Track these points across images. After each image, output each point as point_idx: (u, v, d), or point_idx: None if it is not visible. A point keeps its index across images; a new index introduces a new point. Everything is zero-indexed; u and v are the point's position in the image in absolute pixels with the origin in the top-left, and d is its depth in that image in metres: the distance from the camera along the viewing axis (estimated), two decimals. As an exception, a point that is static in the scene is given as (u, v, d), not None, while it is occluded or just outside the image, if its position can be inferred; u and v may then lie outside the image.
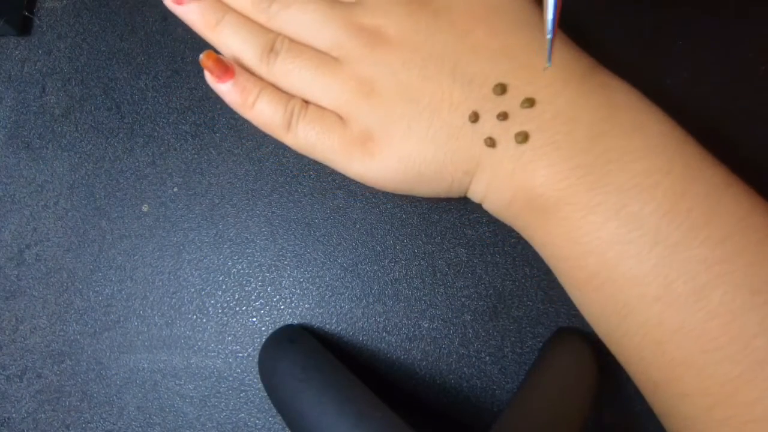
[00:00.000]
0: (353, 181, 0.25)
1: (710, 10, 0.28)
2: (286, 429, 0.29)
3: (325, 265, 0.29)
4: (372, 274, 0.29)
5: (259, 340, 0.29)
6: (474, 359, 0.28)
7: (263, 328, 0.30)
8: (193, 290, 0.30)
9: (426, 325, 0.29)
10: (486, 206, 0.24)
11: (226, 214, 0.30)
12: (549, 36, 0.19)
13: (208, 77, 0.24)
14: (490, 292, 0.28)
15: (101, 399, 0.30)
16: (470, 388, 0.28)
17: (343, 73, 0.23)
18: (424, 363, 0.29)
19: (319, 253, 0.29)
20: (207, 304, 0.30)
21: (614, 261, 0.20)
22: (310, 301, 0.29)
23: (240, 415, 0.29)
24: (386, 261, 0.29)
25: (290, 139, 0.24)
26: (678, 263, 0.19)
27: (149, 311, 0.30)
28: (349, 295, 0.29)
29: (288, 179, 0.30)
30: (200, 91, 0.31)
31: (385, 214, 0.29)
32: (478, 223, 0.29)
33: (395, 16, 0.23)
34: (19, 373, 0.30)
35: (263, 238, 0.30)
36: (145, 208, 0.30)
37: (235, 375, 0.29)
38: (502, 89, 0.22)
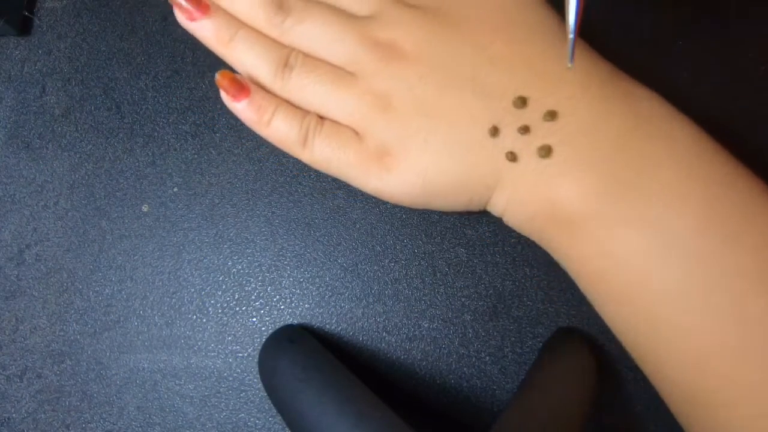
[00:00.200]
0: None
1: (710, 10, 0.28)
2: (286, 429, 0.29)
3: (325, 265, 0.29)
4: (372, 274, 0.29)
5: (259, 340, 0.29)
6: (474, 359, 0.28)
7: (263, 328, 0.30)
8: (193, 290, 0.30)
9: (426, 325, 0.29)
10: (507, 220, 0.24)
11: (226, 214, 0.30)
12: (571, 36, 0.19)
13: (224, 96, 0.24)
14: (490, 292, 0.28)
15: (101, 399, 0.30)
16: (470, 388, 0.28)
17: (358, 87, 0.23)
18: (424, 363, 0.29)
19: (319, 253, 0.29)
20: (207, 304, 0.30)
21: (647, 274, 0.20)
22: (310, 301, 0.29)
23: (240, 415, 0.29)
24: (386, 261, 0.29)
25: (306, 156, 0.24)
26: (714, 273, 0.19)
27: (149, 311, 0.30)
28: (349, 295, 0.29)
29: (288, 179, 0.30)
30: (200, 91, 0.31)
31: (385, 214, 0.29)
32: (478, 223, 0.29)
33: (410, 29, 0.23)
34: (19, 373, 0.30)
35: (263, 238, 0.30)
36: (145, 208, 0.30)
37: (235, 375, 0.29)
38: (522, 102, 0.21)
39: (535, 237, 0.23)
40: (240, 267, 0.30)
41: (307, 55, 0.24)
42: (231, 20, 0.24)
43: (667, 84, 0.28)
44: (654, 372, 0.22)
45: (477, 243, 0.29)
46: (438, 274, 0.29)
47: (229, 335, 0.30)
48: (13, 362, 0.30)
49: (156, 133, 0.30)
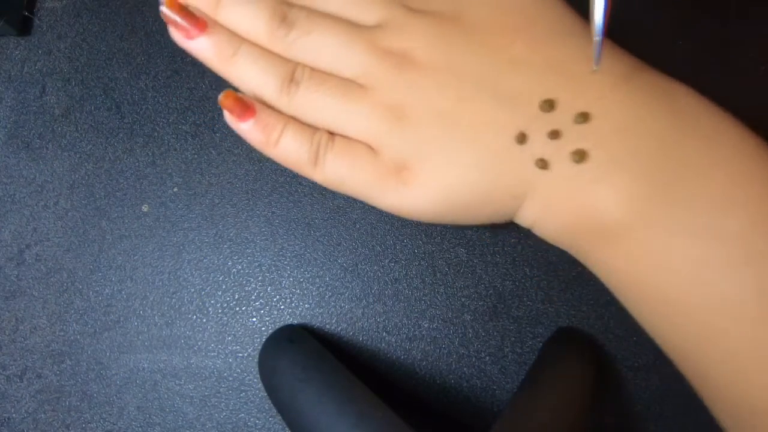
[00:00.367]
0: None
1: (710, 10, 0.28)
2: (286, 429, 0.29)
3: (325, 265, 0.29)
4: (372, 274, 0.29)
5: (259, 340, 0.29)
6: (474, 359, 0.28)
7: (263, 328, 0.30)
8: (193, 290, 0.30)
9: (426, 325, 0.29)
10: (537, 231, 0.22)
11: (226, 214, 0.30)
12: (597, 38, 0.18)
13: (228, 117, 0.23)
14: (490, 292, 0.28)
15: (101, 399, 0.30)
16: (470, 388, 0.28)
17: (371, 100, 0.22)
18: (424, 363, 0.29)
19: (319, 253, 0.29)
20: (207, 304, 0.30)
21: (703, 284, 0.19)
22: (310, 301, 0.29)
23: (240, 415, 0.29)
24: (386, 261, 0.29)
25: (318, 175, 0.23)
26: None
27: (149, 311, 0.30)
28: (349, 295, 0.29)
29: (288, 179, 0.30)
30: (200, 91, 0.31)
31: (385, 214, 0.29)
32: (478, 223, 0.29)
33: (423, 36, 0.22)
34: (19, 373, 0.30)
35: (263, 238, 0.30)
36: (145, 208, 0.30)
37: (235, 375, 0.29)
38: (550, 105, 0.20)
39: (567, 248, 0.22)
40: (240, 267, 0.30)
41: (313, 69, 0.23)
42: (231, 36, 0.23)
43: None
44: (701, 379, 0.21)
45: (477, 243, 0.29)
46: (438, 274, 0.29)
47: (229, 335, 0.30)
48: (13, 362, 0.30)
49: (156, 133, 0.30)
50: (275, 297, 0.30)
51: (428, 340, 0.29)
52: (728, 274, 0.18)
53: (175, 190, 0.30)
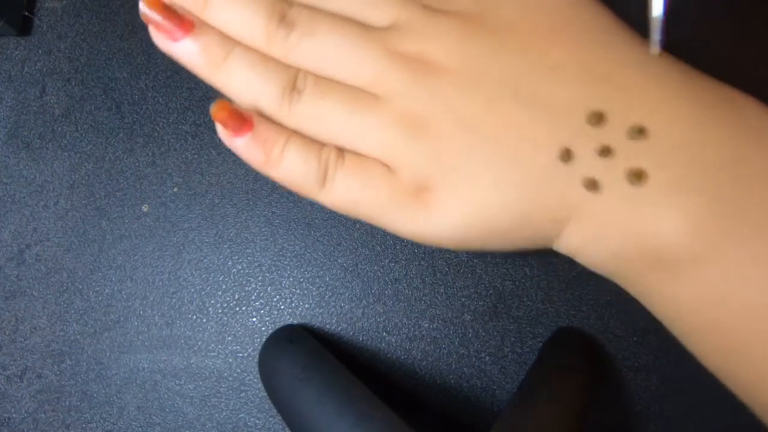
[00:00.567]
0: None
1: (710, 10, 0.28)
2: (286, 429, 0.29)
3: (325, 265, 0.29)
4: (372, 274, 0.29)
5: (259, 340, 0.29)
6: (474, 359, 0.28)
7: (263, 328, 0.30)
8: (193, 290, 0.30)
9: (426, 325, 0.29)
10: (581, 259, 0.20)
11: (226, 214, 0.30)
12: (657, 14, 0.15)
13: (222, 132, 0.20)
14: (490, 292, 0.28)
15: (101, 399, 0.30)
16: (470, 388, 0.28)
17: (385, 111, 0.19)
18: (424, 363, 0.29)
19: (319, 253, 0.29)
20: (207, 304, 0.30)
21: None
22: (310, 301, 0.29)
23: (240, 415, 0.29)
24: (386, 261, 0.29)
25: (327, 197, 0.20)
26: None
27: (149, 311, 0.30)
28: (349, 295, 0.29)
29: (288, 179, 0.30)
30: (200, 91, 0.31)
31: (385, 214, 0.29)
32: (478, 223, 0.29)
33: (445, 38, 0.19)
34: (19, 373, 0.30)
35: (263, 238, 0.30)
36: (145, 208, 0.30)
37: (235, 375, 0.29)
38: (599, 118, 0.17)
39: (612, 275, 0.19)
40: (240, 267, 0.30)
41: (318, 76, 0.20)
42: (222, 38, 0.20)
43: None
44: None
45: (477, 243, 0.29)
46: (438, 274, 0.29)
47: (229, 335, 0.30)
48: (13, 362, 0.31)
49: (156, 133, 0.30)
50: (275, 297, 0.30)
51: (428, 340, 0.29)
52: None
53: (175, 190, 0.30)
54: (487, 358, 0.28)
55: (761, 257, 0.16)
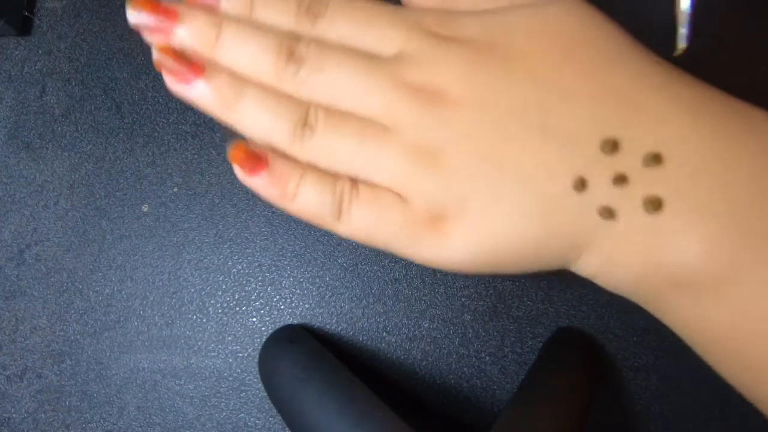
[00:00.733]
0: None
1: (710, 10, 0.28)
2: (286, 429, 0.29)
3: (325, 265, 0.29)
4: (372, 274, 0.29)
5: (259, 340, 0.29)
6: (474, 359, 0.28)
7: (263, 328, 0.30)
8: (193, 290, 0.30)
9: (426, 325, 0.29)
10: (600, 282, 0.20)
11: (226, 214, 0.30)
12: (684, 8, 0.15)
13: (238, 172, 0.20)
14: (490, 292, 0.28)
15: (101, 399, 0.30)
16: (470, 388, 0.28)
17: (396, 142, 0.19)
18: (424, 363, 0.29)
19: (319, 253, 0.29)
20: (207, 304, 0.30)
21: None
22: (310, 301, 0.29)
23: (240, 415, 0.29)
24: (386, 261, 0.29)
25: (343, 229, 0.20)
26: None
27: (149, 311, 0.30)
28: (349, 295, 0.29)
29: (288, 179, 0.30)
30: (200, 91, 0.31)
31: (385, 214, 0.29)
32: (478, 223, 0.29)
33: (456, 69, 0.19)
34: (19, 373, 0.30)
35: (263, 238, 0.30)
36: (145, 208, 0.30)
37: (235, 375, 0.29)
38: (613, 145, 0.17)
39: (637, 298, 0.19)
40: (240, 267, 0.30)
41: (328, 109, 0.20)
42: (233, 79, 0.20)
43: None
44: None
45: (477, 243, 0.29)
46: (438, 274, 0.29)
47: (229, 335, 0.30)
48: (13, 362, 0.31)
49: (156, 133, 0.30)
50: (275, 297, 0.30)
51: (428, 340, 0.29)
52: None
53: (175, 190, 0.30)
54: (487, 358, 0.28)
55: None
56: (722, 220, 0.17)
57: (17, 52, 0.31)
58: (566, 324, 0.28)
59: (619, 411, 0.28)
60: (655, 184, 0.17)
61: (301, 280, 0.29)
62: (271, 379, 0.26)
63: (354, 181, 0.20)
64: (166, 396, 0.30)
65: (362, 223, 0.20)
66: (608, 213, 0.18)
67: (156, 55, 0.20)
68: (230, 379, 0.29)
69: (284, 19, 0.21)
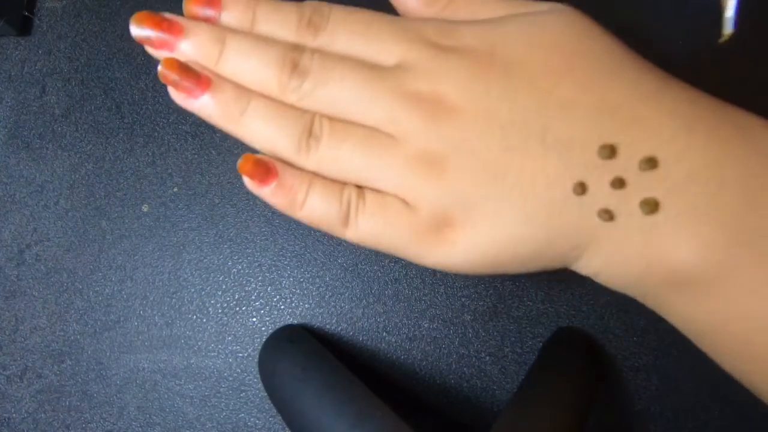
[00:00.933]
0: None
1: (711, 10, 0.28)
2: (286, 429, 0.29)
3: (325, 265, 0.29)
4: (372, 274, 0.29)
5: (259, 340, 0.29)
6: (474, 359, 0.28)
7: (263, 328, 0.30)
8: (193, 290, 0.30)
9: (426, 325, 0.29)
10: (601, 280, 0.20)
11: (226, 214, 0.30)
12: None
13: (249, 183, 0.21)
14: (490, 292, 0.28)
15: (101, 399, 0.30)
16: (470, 388, 0.28)
17: (401, 151, 0.20)
18: (424, 363, 0.29)
19: (319, 253, 0.29)
20: (207, 304, 0.30)
21: None
22: (310, 301, 0.29)
23: (240, 415, 0.29)
24: (386, 261, 0.29)
25: (351, 235, 0.21)
26: None
27: (149, 311, 0.30)
28: (349, 295, 0.29)
29: (288, 179, 0.30)
30: (200, 91, 0.31)
31: (385, 214, 0.29)
32: (478, 223, 0.29)
33: (457, 79, 0.20)
34: (19, 373, 0.30)
35: (263, 238, 0.30)
36: (145, 208, 0.30)
37: (235, 375, 0.29)
38: (610, 151, 0.18)
39: (636, 295, 0.20)
40: (240, 267, 0.30)
41: (333, 119, 0.21)
42: (238, 91, 0.21)
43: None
44: None
45: (477, 243, 0.29)
46: (438, 274, 0.29)
47: (229, 335, 0.30)
48: (13, 362, 0.31)
49: (156, 133, 0.30)
50: (275, 297, 0.30)
51: (428, 340, 0.29)
52: None
53: (175, 190, 0.30)
54: (487, 358, 0.28)
55: None
56: (714, 221, 0.17)
57: (17, 52, 0.31)
58: (566, 324, 0.28)
59: (619, 411, 0.28)
60: (652, 187, 0.18)
61: (301, 280, 0.29)
62: (271, 379, 0.26)
63: (360, 189, 0.21)
64: (166, 396, 0.30)
65: (369, 229, 0.20)
66: (607, 215, 0.18)
67: (162, 70, 0.20)
68: (230, 379, 0.29)
69: (285, 31, 0.21)
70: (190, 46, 0.21)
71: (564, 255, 0.20)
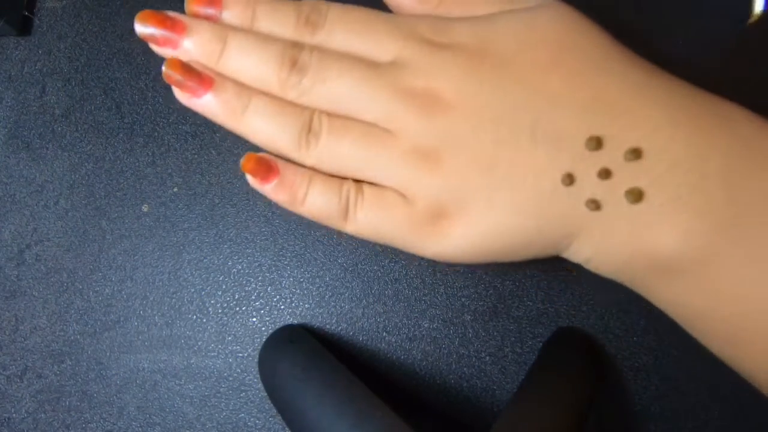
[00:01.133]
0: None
1: (711, 10, 0.28)
2: (286, 429, 0.29)
3: (325, 265, 0.29)
4: (372, 274, 0.29)
5: (259, 340, 0.29)
6: (474, 359, 0.28)
7: (263, 328, 0.30)
8: (193, 290, 0.30)
9: (426, 325, 0.29)
10: (590, 267, 0.21)
11: (226, 214, 0.30)
12: None
13: (252, 181, 0.22)
14: (490, 292, 0.28)
15: (101, 399, 0.30)
16: (470, 388, 0.28)
17: (399, 146, 0.20)
18: (424, 363, 0.29)
19: (319, 253, 0.29)
20: (207, 304, 0.30)
21: None
22: (310, 301, 0.29)
23: (240, 415, 0.29)
24: (386, 261, 0.29)
25: (350, 228, 0.22)
26: None
27: (149, 311, 0.30)
28: (349, 295, 0.29)
29: (288, 179, 0.30)
30: (200, 91, 0.31)
31: (385, 214, 0.29)
32: (478, 223, 0.29)
33: (450, 75, 0.20)
34: (19, 373, 0.30)
35: (263, 238, 0.30)
36: (145, 208, 0.30)
37: (235, 375, 0.29)
38: (597, 143, 0.19)
39: (628, 283, 0.21)
40: (240, 267, 0.30)
41: (331, 115, 0.21)
42: (240, 89, 0.21)
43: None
44: None
45: (477, 243, 0.29)
46: (438, 274, 0.29)
47: (229, 335, 0.30)
48: (13, 362, 0.31)
49: (156, 133, 0.30)
50: (275, 297, 0.30)
51: (428, 340, 0.29)
52: None
53: (175, 190, 0.30)
54: (487, 358, 0.28)
55: (762, 262, 0.18)
56: (696, 210, 0.18)
57: (17, 52, 0.31)
58: (566, 324, 0.28)
59: (619, 411, 0.28)
60: (637, 177, 0.18)
61: (301, 280, 0.29)
62: (271, 379, 0.26)
63: (359, 184, 0.21)
64: (166, 396, 0.30)
65: (368, 222, 0.21)
66: (595, 204, 0.19)
67: (165, 70, 0.21)
68: (230, 379, 0.29)
69: (284, 29, 0.22)
70: (192, 44, 0.21)
71: (555, 243, 0.20)
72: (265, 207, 0.30)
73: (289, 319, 0.29)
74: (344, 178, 0.22)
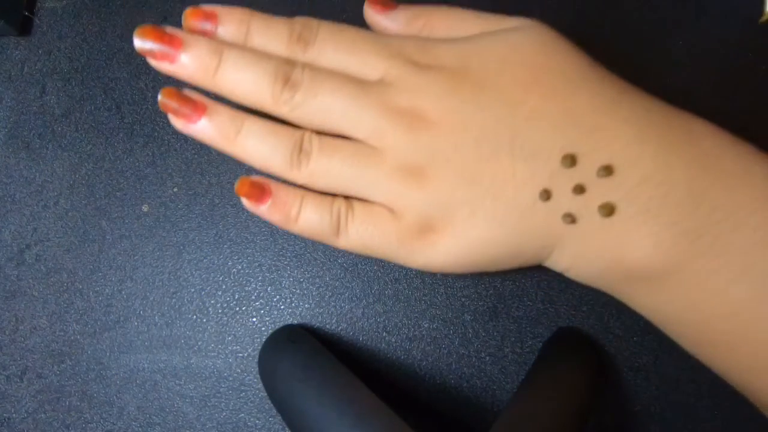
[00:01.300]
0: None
1: (710, 10, 0.28)
2: (286, 429, 0.29)
3: (325, 265, 0.29)
4: (372, 274, 0.29)
5: (259, 340, 0.29)
6: (474, 359, 0.28)
7: (263, 328, 0.30)
8: (193, 290, 0.30)
9: (426, 325, 0.29)
10: (570, 275, 0.22)
11: (226, 214, 0.30)
12: None
13: (247, 203, 0.23)
14: (490, 292, 0.28)
15: (101, 399, 0.30)
16: (470, 388, 0.28)
17: (387, 163, 0.21)
18: (424, 363, 0.29)
19: (319, 253, 0.29)
20: (207, 304, 0.30)
21: (747, 322, 0.19)
22: (310, 301, 0.29)
23: (240, 415, 0.29)
24: (386, 261, 0.29)
25: (342, 243, 0.23)
26: None
27: (149, 311, 0.30)
28: (349, 295, 0.29)
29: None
30: (200, 91, 0.31)
31: (385, 214, 0.29)
32: (478, 223, 0.29)
33: (434, 94, 0.21)
34: (19, 373, 0.30)
35: (263, 238, 0.30)
36: (145, 208, 0.30)
37: (235, 375, 0.29)
38: (571, 160, 0.20)
39: (607, 290, 0.22)
40: (240, 267, 0.30)
41: (321, 134, 0.22)
42: (233, 115, 0.22)
43: (667, 84, 0.28)
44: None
45: (477, 243, 0.29)
46: (438, 275, 0.29)
47: (229, 335, 0.30)
48: (13, 362, 0.31)
49: (156, 133, 0.30)
50: (275, 297, 0.30)
51: (428, 340, 0.29)
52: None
53: (175, 190, 0.30)
54: (487, 358, 0.28)
55: (730, 269, 0.19)
56: (663, 221, 0.19)
57: (17, 52, 0.31)
58: (566, 324, 0.28)
59: (619, 411, 0.28)
60: (609, 192, 0.20)
61: (301, 280, 0.29)
62: (271, 379, 0.26)
63: (349, 200, 0.23)
64: (166, 396, 0.30)
65: (359, 237, 0.22)
66: (571, 218, 0.20)
67: (162, 99, 0.22)
68: (230, 379, 0.29)
69: (277, 45, 0.23)
70: (189, 58, 0.22)
71: (535, 254, 0.21)
72: (265, 207, 0.30)
73: (289, 319, 0.29)
74: (335, 196, 0.23)
